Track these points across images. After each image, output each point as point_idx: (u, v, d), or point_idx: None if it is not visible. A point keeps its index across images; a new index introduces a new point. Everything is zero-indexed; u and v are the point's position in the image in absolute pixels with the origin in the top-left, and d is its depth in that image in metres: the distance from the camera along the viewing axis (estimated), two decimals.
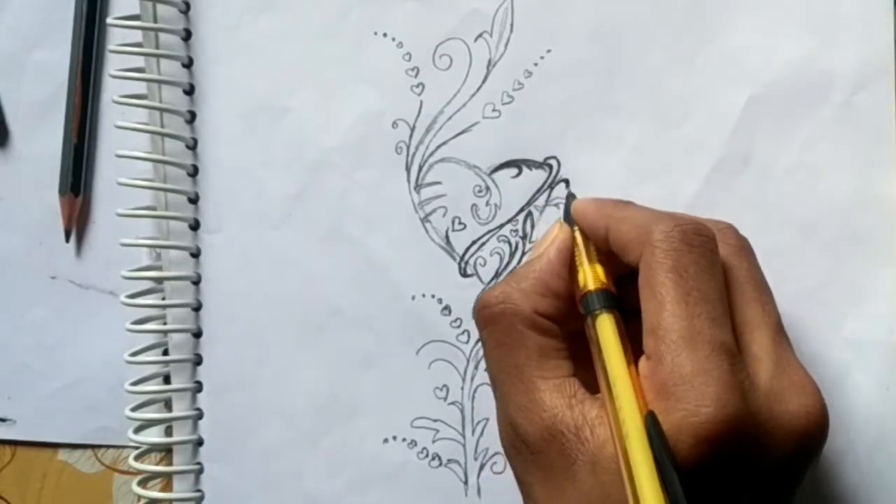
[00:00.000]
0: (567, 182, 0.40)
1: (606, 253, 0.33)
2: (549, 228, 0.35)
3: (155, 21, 0.42)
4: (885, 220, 0.37)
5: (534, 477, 0.32)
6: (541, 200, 0.40)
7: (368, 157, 0.41)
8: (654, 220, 0.31)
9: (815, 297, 0.38)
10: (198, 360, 0.43)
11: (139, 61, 0.43)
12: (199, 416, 0.43)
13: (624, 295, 0.32)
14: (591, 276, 0.33)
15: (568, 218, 0.35)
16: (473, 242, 0.41)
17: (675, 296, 0.30)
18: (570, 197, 0.35)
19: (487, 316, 0.33)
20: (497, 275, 0.40)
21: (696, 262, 0.30)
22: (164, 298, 0.43)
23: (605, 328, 0.31)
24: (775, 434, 0.29)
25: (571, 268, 0.34)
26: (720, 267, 0.31)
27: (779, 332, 0.32)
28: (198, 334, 0.43)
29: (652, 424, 0.28)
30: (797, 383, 0.30)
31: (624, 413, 0.28)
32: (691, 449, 0.28)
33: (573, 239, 0.34)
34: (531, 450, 0.31)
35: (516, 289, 0.33)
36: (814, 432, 0.30)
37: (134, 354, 0.42)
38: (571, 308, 0.33)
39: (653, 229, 0.31)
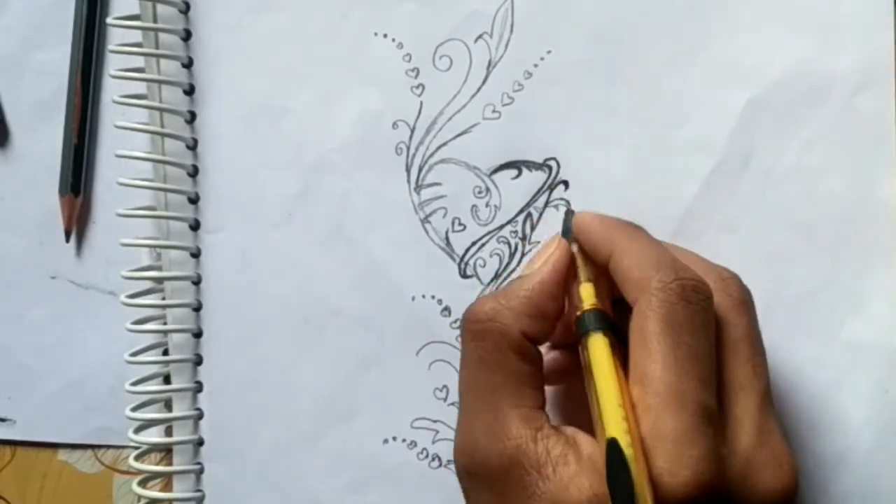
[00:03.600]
0: (566, 183, 0.40)
1: (606, 272, 0.33)
2: (547, 243, 0.34)
3: (155, 21, 0.42)
4: (885, 222, 0.37)
5: (483, 500, 0.31)
6: (540, 202, 0.40)
7: (368, 157, 0.41)
8: (657, 265, 0.31)
9: (815, 298, 0.38)
10: (198, 360, 0.43)
11: (139, 61, 0.43)
12: (200, 416, 0.43)
13: (622, 317, 0.32)
14: (585, 296, 0.32)
15: (566, 234, 0.34)
16: (473, 243, 0.41)
17: (665, 349, 0.29)
18: (570, 213, 0.34)
19: (474, 331, 0.33)
20: (497, 276, 0.40)
21: (691, 318, 0.30)
22: (164, 298, 0.43)
23: (597, 350, 0.31)
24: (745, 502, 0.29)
25: (566, 287, 0.33)
26: (713, 326, 0.31)
27: (765, 396, 0.31)
28: (198, 334, 0.43)
29: (613, 454, 0.28)
30: (777, 457, 0.30)
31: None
32: None
33: (571, 257, 0.33)
34: (486, 473, 0.31)
35: (506, 307, 0.32)
36: None
37: (134, 354, 0.42)
38: (560, 327, 0.33)
39: (653, 277, 0.30)
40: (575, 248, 0.34)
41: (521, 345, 0.32)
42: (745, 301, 0.32)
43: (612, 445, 0.28)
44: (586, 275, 0.33)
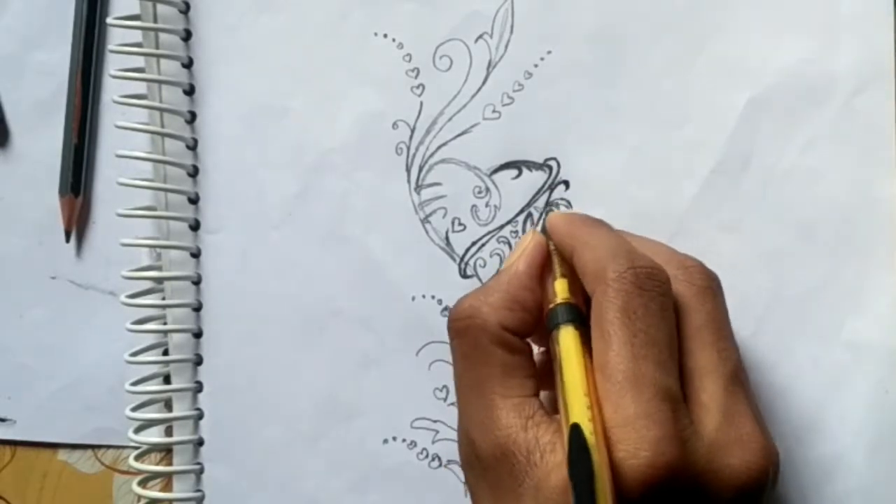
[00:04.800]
0: (567, 183, 0.40)
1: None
2: (521, 238, 0.35)
3: (155, 21, 0.42)
4: (885, 222, 0.37)
5: (483, 491, 0.32)
6: (541, 202, 0.40)
7: (369, 157, 0.41)
8: (612, 256, 0.31)
9: (815, 298, 0.38)
10: (198, 361, 0.43)
11: (139, 61, 0.43)
12: (200, 416, 0.43)
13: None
14: (558, 290, 0.33)
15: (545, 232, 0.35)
16: (473, 243, 0.41)
17: (621, 336, 0.30)
18: (550, 211, 0.35)
19: (456, 328, 0.33)
20: None
21: (646, 305, 0.30)
22: (164, 298, 0.43)
23: (565, 342, 0.31)
24: (713, 486, 0.29)
25: (541, 278, 0.33)
26: (671, 312, 0.31)
27: (733, 380, 0.31)
28: (198, 334, 0.43)
29: (575, 438, 0.28)
30: (744, 437, 0.30)
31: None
32: (627, 491, 0.28)
33: (547, 248, 0.34)
34: (483, 465, 0.31)
35: (484, 302, 0.33)
36: (752, 488, 0.30)
37: (134, 354, 0.42)
38: (542, 321, 0.33)
39: (608, 266, 0.31)
40: (551, 245, 0.34)
41: (503, 338, 0.32)
42: (708, 287, 0.33)
43: (575, 431, 0.28)
44: (561, 271, 0.33)
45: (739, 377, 0.32)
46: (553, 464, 0.30)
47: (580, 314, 0.32)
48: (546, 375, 0.34)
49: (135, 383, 0.42)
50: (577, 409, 0.29)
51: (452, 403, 0.41)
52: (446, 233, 0.41)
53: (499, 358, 0.32)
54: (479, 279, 0.41)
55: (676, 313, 0.32)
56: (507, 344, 0.32)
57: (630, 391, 0.29)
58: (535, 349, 0.34)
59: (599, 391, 0.29)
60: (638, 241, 0.34)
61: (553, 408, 0.32)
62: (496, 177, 0.40)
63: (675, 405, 0.29)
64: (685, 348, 0.31)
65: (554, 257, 0.34)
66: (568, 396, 0.29)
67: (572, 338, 0.31)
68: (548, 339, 0.32)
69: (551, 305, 0.32)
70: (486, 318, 0.32)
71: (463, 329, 0.33)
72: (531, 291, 0.33)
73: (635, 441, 0.28)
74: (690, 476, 0.29)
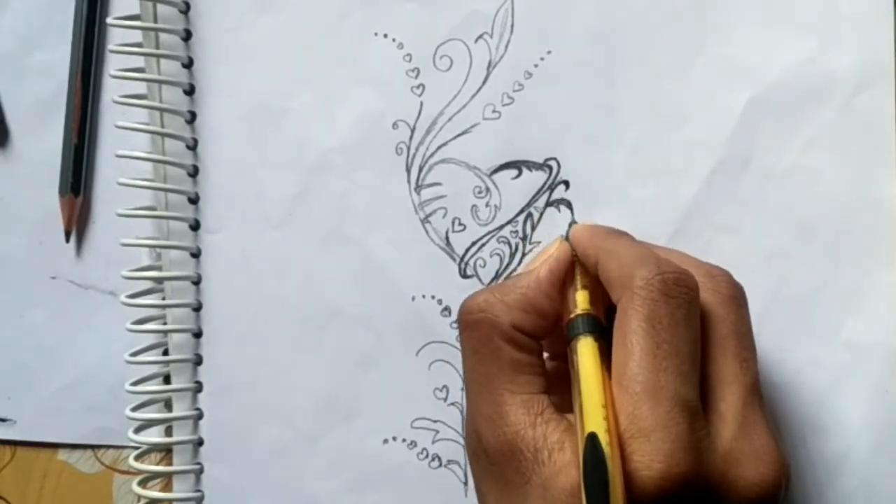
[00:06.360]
0: (567, 183, 0.40)
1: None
2: (549, 244, 0.35)
3: (155, 21, 0.42)
4: (885, 222, 0.37)
5: (489, 487, 0.32)
6: (541, 202, 0.40)
7: (369, 157, 0.41)
8: (639, 263, 0.31)
9: (815, 298, 0.38)
10: (198, 361, 0.43)
11: (139, 61, 0.43)
12: (200, 416, 0.43)
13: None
14: (580, 301, 0.33)
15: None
16: (473, 243, 0.41)
17: (644, 346, 0.29)
18: (571, 224, 0.35)
19: (467, 322, 0.33)
20: (497, 276, 0.40)
21: (672, 313, 0.30)
22: (164, 298, 0.43)
23: (585, 352, 0.31)
24: (727, 497, 0.29)
25: (562, 289, 0.34)
26: (697, 321, 0.31)
27: (752, 391, 0.31)
28: (198, 334, 0.43)
29: (592, 448, 0.28)
30: (759, 449, 0.30)
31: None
32: (640, 501, 0.28)
33: (570, 260, 0.34)
34: (490, 461, 0.31)
35: (499, 300, 0.33)
36: (766, 500, 0.30)
37: (134, 354, 0.42)
38: (557, 328, 0.33)
39: (635, 274, 0.30)
40: (575, 255, 0.34)
41: (513, 336, 0.32)
42: (734, 297, 0.32)
43: (591, 440, 0.28)
44: (584, 282, 0.33)
45: (757, 388, 0.32)
46: (561, 464, 0.30)
47: (600, 326, 0.32)
48: (556, 381, 0.33)
49: (135, 383, 0.42)
50: (594, 418, 0.28)
51: (452, 403, 0.41)
52: (446, 233, 0.41)
53: (508, 354, 0.32)
54: (479, 279, 0.41)
55: (701, 321, 0.31)
56: (517, 342, 0.32)
57: (648, 402, 0.29)
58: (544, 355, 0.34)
59: (616, 400, 0.29)
60: (662, 251, 0.33)
61: (560, 410, 0.32)
62: (496, 177, 0.40)
63: (692, 416, 0.29)
64: (708, 355, 0.31)
65: (577, 267, 0.34)
66: (585, 406, 0.29)
67: (591, 349, 0.31)
68: (566, 348, 0.32)
69: (572, 315, 0.32)
70: (498, 314, 0.32)
71: (474, 323, 0.33)
72: (549, 298, 0.33)
73: (650, 453, 0.28)
74: (704, 486, 0.29)
